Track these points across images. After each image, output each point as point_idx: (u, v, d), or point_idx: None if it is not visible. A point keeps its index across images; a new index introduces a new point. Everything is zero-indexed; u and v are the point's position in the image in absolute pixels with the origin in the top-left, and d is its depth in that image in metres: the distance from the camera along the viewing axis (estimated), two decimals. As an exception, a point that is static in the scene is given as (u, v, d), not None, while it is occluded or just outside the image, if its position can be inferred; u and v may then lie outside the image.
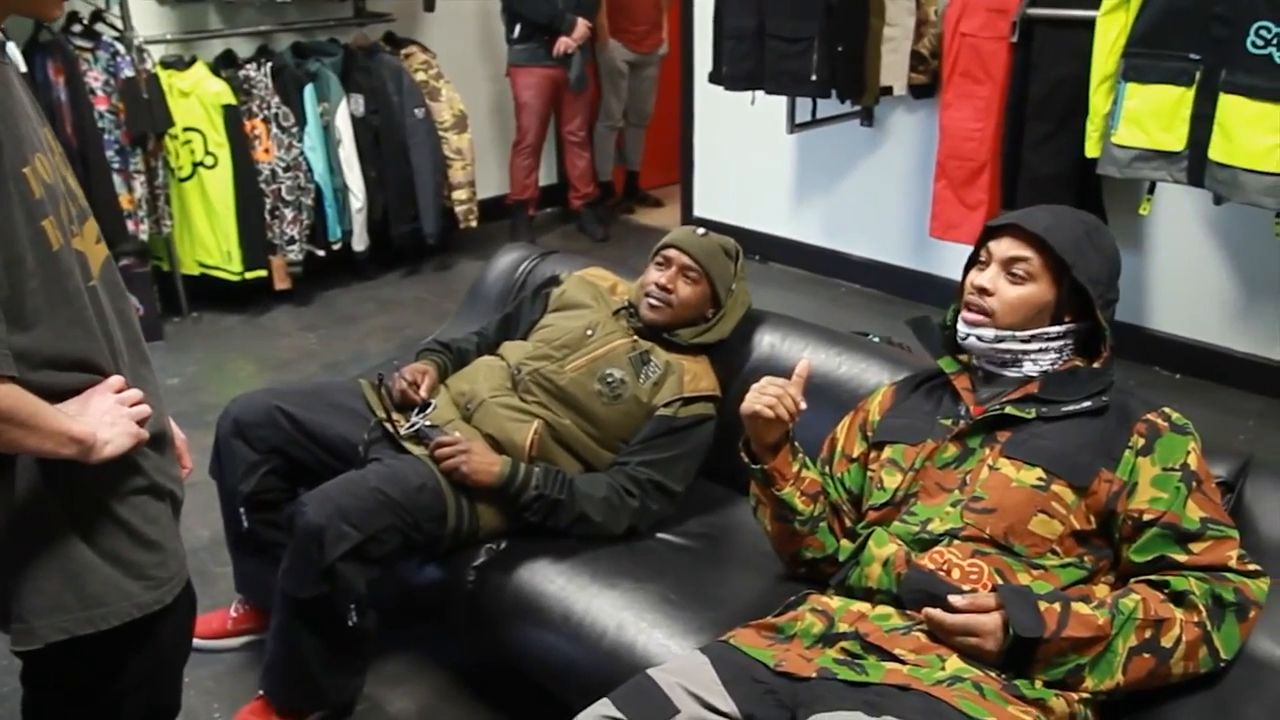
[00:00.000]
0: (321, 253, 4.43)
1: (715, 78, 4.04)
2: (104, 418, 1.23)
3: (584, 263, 2.59)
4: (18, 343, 1.15)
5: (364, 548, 1.87)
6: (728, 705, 1.41)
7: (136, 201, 3.94)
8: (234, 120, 4.04)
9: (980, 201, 3.62)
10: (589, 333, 2.20)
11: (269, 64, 4.20)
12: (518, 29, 4.76)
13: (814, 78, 3.62)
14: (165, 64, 4.03)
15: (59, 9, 1.26)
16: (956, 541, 1.51)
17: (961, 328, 1.64)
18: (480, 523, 2.03)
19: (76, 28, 3.83)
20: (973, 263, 1.67)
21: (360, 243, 4.52)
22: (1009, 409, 1.57)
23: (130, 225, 3.95)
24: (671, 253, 2.23)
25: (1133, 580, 1.49)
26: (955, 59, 3.54)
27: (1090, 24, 3.04)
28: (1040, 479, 1.50)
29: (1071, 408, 1.54)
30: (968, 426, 1.59)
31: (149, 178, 3.97)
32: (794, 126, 4.11)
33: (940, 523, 1.54)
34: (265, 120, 4.15)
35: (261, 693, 2.05)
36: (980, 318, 1.61)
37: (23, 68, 3.57)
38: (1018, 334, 1.60)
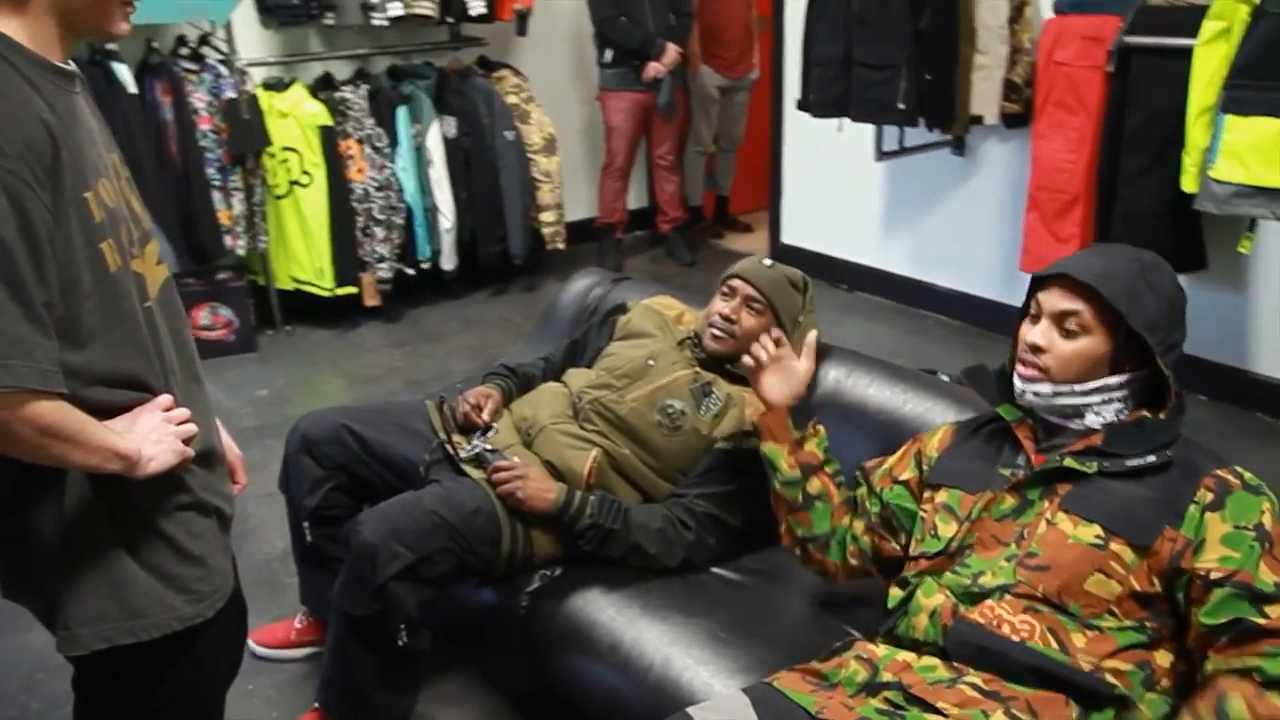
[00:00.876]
0: (410, 271, 4.53)
1: (803, 104, 4.01)
2: (150, 435, 1.26)
3: (654, 290, 2.59)
4: (70, 360, 1.19)
5: (416, 568, 1.89)
6: None
7: (235, 218, 4.09)
8: (330, 141, 4.16)
9: (1072, 235, 3.51)
10: (650, 362, 2.19)
11: (365, 86, 4.32)
12: (609, 54, 4.80)
13: (900, 106, 3.57)
14: (266, 85, 4.18)
15: (125, 25, 1.29)
16: (1008, 597, 1.45)
17: (1018, 383, 1.58)
18: (535, 549, 2.04)
19: (184, 51, 3.99)
20: (1025, 312, 1.60)
21: (448, 262, 4.60)
22: (1069, 461, 1.50)
23: (228, 240, 4.09)
24: (736, 283, 2.21)
25: (1217, 673, 1.37)
26: (1049, 88, 3.45)
27: (1190, 53, 2.93)
28: (1098, 537, 1.43)
29: (1135, 462, 1.47)
30: (1026, 478, 1.53)
31: (247, 195, 4.12)
32: (881, 154, 4.06)
33: (993, 576, 1.48)
34: (360, 141, 4.26)
35: (317, 705, 2.09)
36: (1035, 373, 1.54)
37: (132, 89, 3.74)
38: (1075, 388, 1.53)
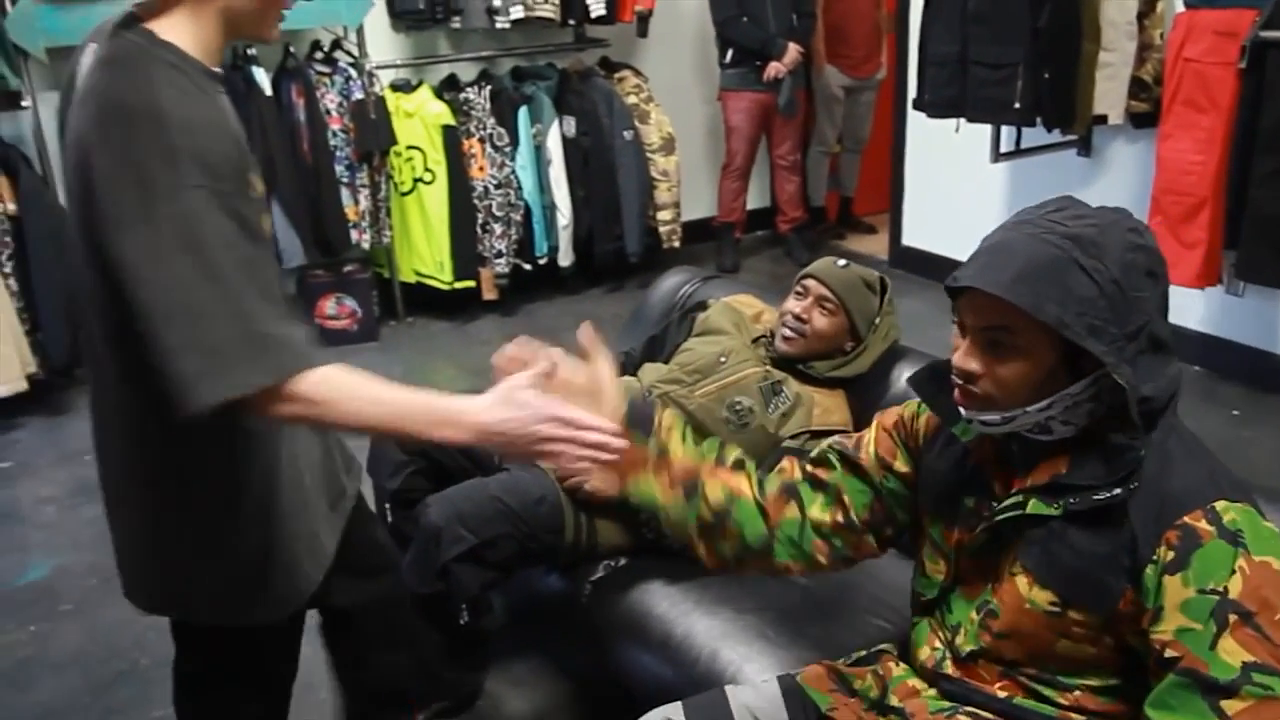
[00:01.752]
0: (528, 266, 4.64)
1: (919, 104, 3.94)
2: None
3: (741, 289, 2.59)
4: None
5: (478, 552, 1.96)
6: None
7: (361, 213, 4.28)
8: (452, 140, 4.31)
9: (1199, 240, 3.34)
10: (722, 359, 2.20)
11: (488, 87, 4.46)
12: (730, 54, 4.81)
13: (1017, 105, 3.46)
14: (394, 87, 4.36)
15: (276, 32, 1.36)
16: (983, 661, 1.32)
17: (962, 411, 1.30)
18: (599, 538, 2.08)
19: (319, 55, 4.21)
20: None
21: (565, 258, 4.70)
22: (1032, 506, 1.25)
23: (354, 234, 4.29)
24: (809, 283, 2.20)
25: None
26: (1177, 86, 3.29)
27: (1327, 49, 2.76)
28: (1053, 604, 1.23)
29: (1103, 496, 1.20)
30: (991, 523, 1.30)
31: (373, 191, 4.31)
32: (998, 155, 3.94)
33: (965, 639, 1.34)
34: (481, 140, 4.40)
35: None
36: (974, 402, 1.27)
37: (268, 91, 3.97)
38: (1029, 409, 1.24)
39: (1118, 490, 1.20)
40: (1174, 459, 1.22)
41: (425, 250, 4.48)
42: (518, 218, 4.53)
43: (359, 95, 4.15)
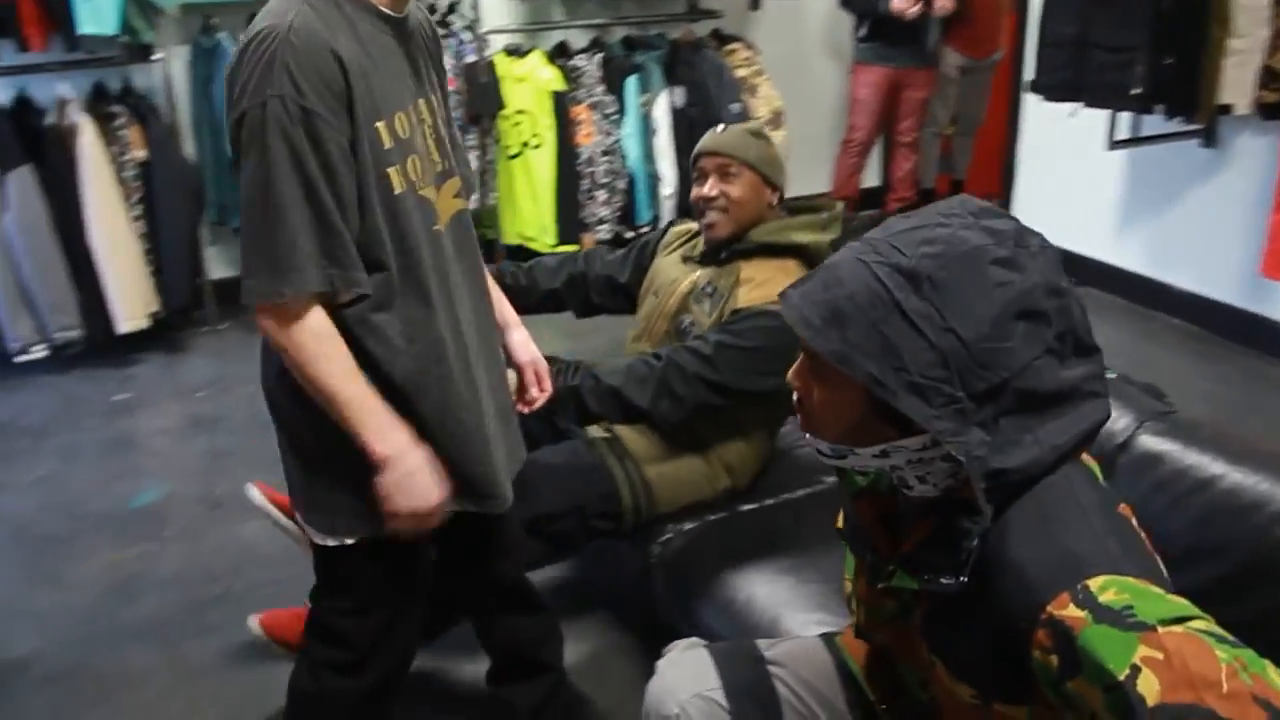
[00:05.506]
0: (629, 234, 4.68)
1: (1034, 86, 3.84)
2: (410, 475, 1.44)
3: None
4: (359, 278, 1.38)
5: (537, 525, 2.00)
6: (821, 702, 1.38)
7: (469, 174, 4.38)
8: (561, 106, 4.37)
9: (1322, 240, 3.20)
10: (655, 294, 2.22)
11: (599, 55, 4.50)
12: (864, 27, 4.75)
13: (1135, 91, 3.35)
14: (507, 51, 4.44)
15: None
16: None
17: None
18: (655, 495, 2.11)
19: (434, 18, 4.30)
20: None
21: (666, 228, 4.72)
22: (896, 580, 1.08)
23: (461, 195, 4.39)
24: (702, 162, 2.13)
25: None
26: (1309, 77, 3.15)
27: None
28: (974, 698, 1.05)
29: (948, 580, 1.01)
30: (883, 586, 1.13)
31: (481, 153, 4.40)
32: (1113, 143, 3.82)
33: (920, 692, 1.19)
34: (589, 107, 4.45)
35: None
36: (804, 425, 1.12)
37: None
38: (858, 450, 1.07)
39: (957, 578, 0.99)
40: (1026, 532, 0.98)
41: (530, 213, 4.56)
42: (622, 185, 4.58)
43: (471, 58, 4.23)
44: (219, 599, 2.54)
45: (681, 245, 2.30)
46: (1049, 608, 0.92)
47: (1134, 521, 1.04)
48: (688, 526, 2.14)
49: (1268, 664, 0.85)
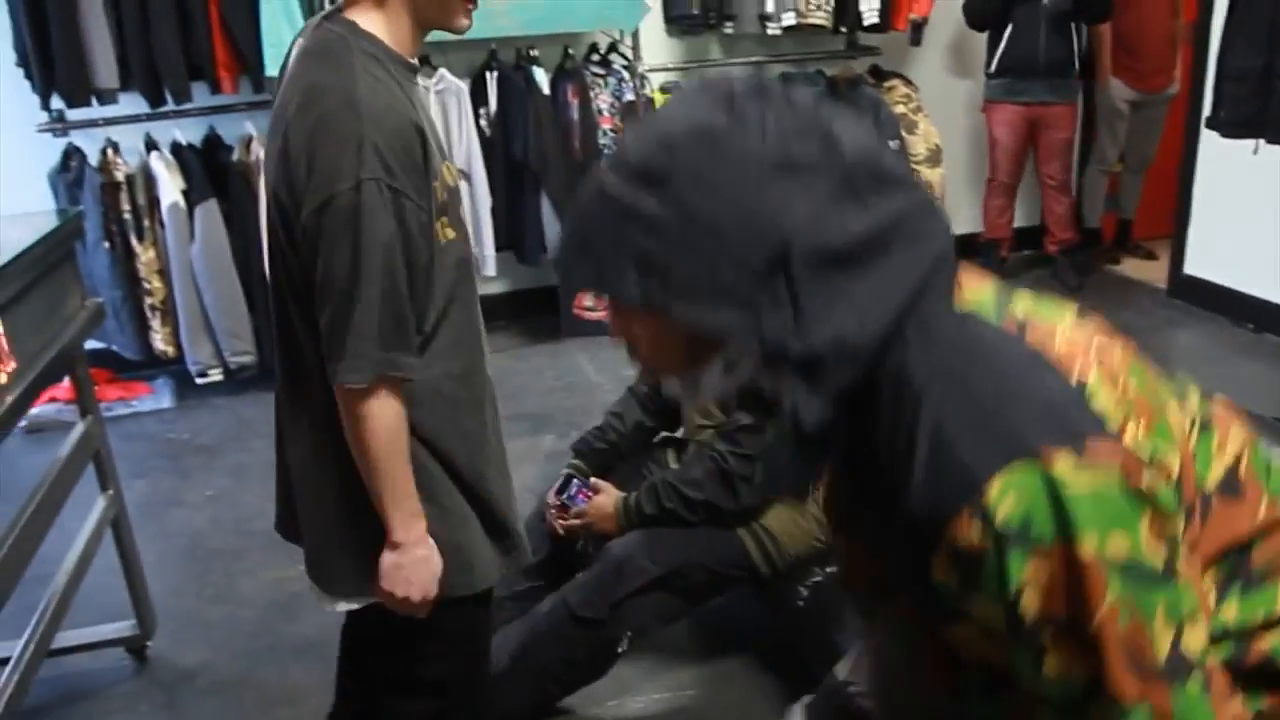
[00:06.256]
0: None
1: (1212, 122, 3.67)
2: (416, 565, 1.43)
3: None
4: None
5: (666, 581, 2.01)
6: None
7: (622, 210, 4.44)
8: (715, 143, 4.39)
9: None
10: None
11: (754, 93, 4.50)
12: (994, 63, 4.65)
13: (1326, 128, 3.16)
14: (663, 89, 4.50)
15: (467, 20, 1.40)
16: None
17: None
18: (780, 540, 2.09)
19: (595, 57, 4.41)
20: None
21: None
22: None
23: (615, 230, 4.46)
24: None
25: None
26: None
27: None
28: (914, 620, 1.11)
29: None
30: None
31: (636, 190, 4.45)
32: (1301, 182, 3.60)
33: None
34: (743, 145, 4.45)
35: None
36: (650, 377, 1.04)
37: (545, 90, 4.20)
38: (703, 380, 0.97)
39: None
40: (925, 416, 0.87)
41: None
42: (774, 222, 4.56)
43: (630, 97, 4.31)
44: (373, 620, 2.62)
45: None
46: (949, 528, 0.85)
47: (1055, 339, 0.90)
48: (831, 569, 2.11)
49: (1184, 610, 0.84)
